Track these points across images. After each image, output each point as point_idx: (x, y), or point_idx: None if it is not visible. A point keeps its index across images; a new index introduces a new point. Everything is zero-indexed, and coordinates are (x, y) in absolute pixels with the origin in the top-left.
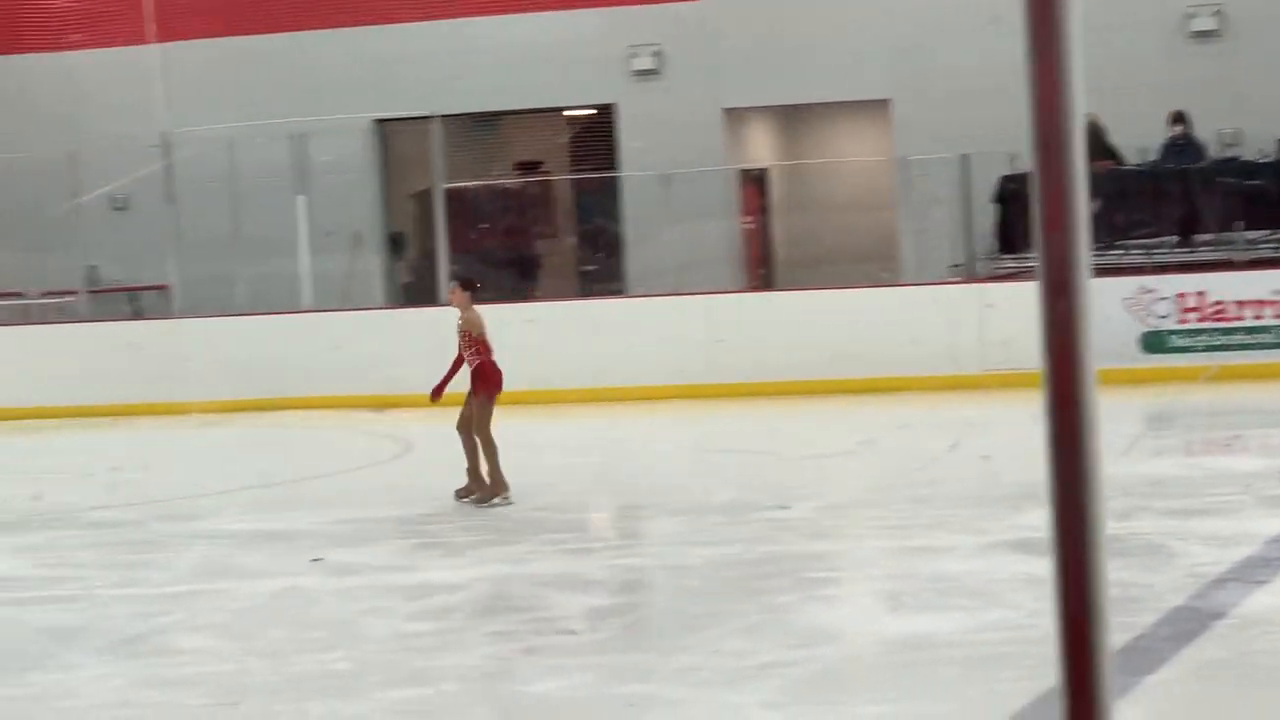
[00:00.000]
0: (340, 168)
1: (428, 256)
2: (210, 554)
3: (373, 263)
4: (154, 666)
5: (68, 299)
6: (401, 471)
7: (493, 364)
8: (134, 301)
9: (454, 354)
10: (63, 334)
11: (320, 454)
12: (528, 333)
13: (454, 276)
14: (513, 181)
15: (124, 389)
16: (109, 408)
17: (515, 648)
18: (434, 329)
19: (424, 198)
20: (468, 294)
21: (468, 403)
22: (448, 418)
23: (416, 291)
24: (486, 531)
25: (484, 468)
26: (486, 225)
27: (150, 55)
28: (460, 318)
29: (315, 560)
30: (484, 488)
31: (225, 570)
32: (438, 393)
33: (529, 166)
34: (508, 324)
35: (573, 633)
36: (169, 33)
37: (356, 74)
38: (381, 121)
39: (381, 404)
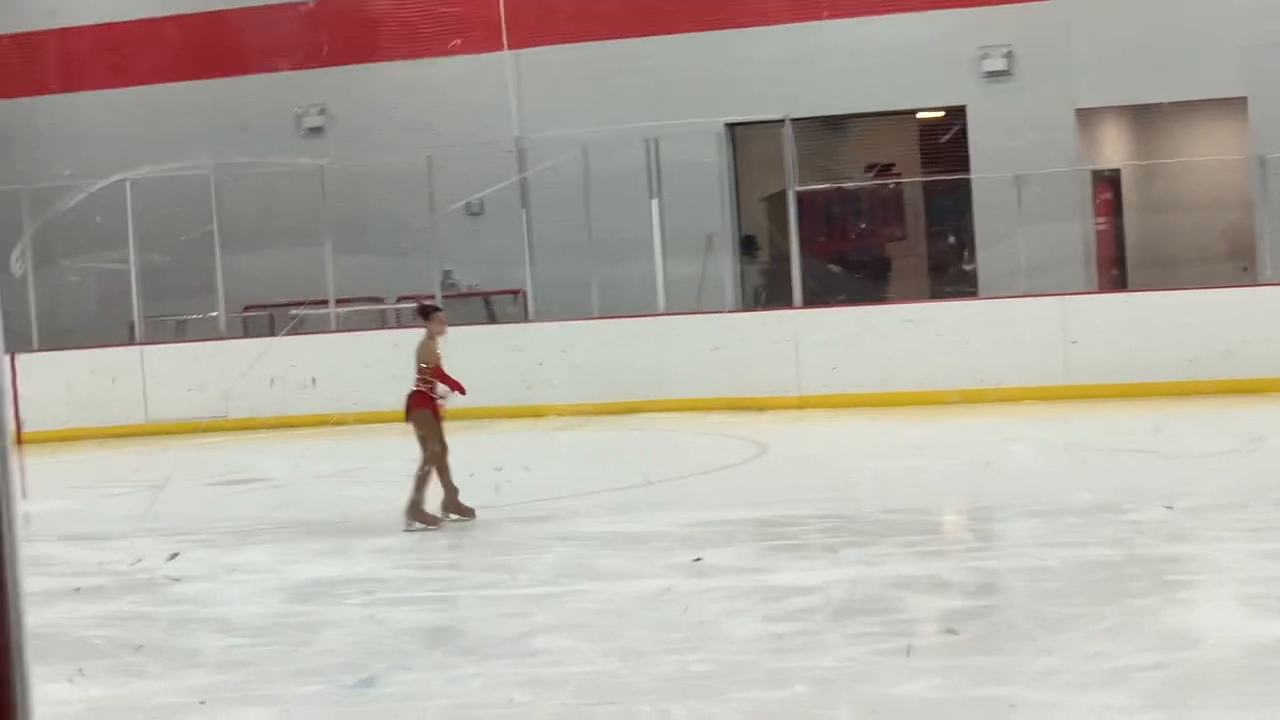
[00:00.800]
0: (693, 171)
1: (780, 259)
2: (570, 556)
3: (725, 266)
4: (516, 667)
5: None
6: (757, 473)
7: None
8: (489, 306)
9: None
10: (420, 338)
11: (676, 456)
12: (897, 334)
13: (434, 306)
14: (864, 184)
15: (480, 393)
16: (465, 411)
17: (875, 649)
18: (786, 332)
19: (776, 201)
20: None
21: (437, 429)
22: (803, 419)
23: (768, 294)
24: (842, 533)
25: (415, 489)
26: (839, 227)
27: (505, 61)
28: (438, 341)
29: (696, 560)
30: (420, 511)
31: (585, 572)
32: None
33: (880, 169)
34: (880, 324)
35: (954, 632)
36: (523, 39)
37: (708, 78)
38: (733, 125)
39: (759, 406)
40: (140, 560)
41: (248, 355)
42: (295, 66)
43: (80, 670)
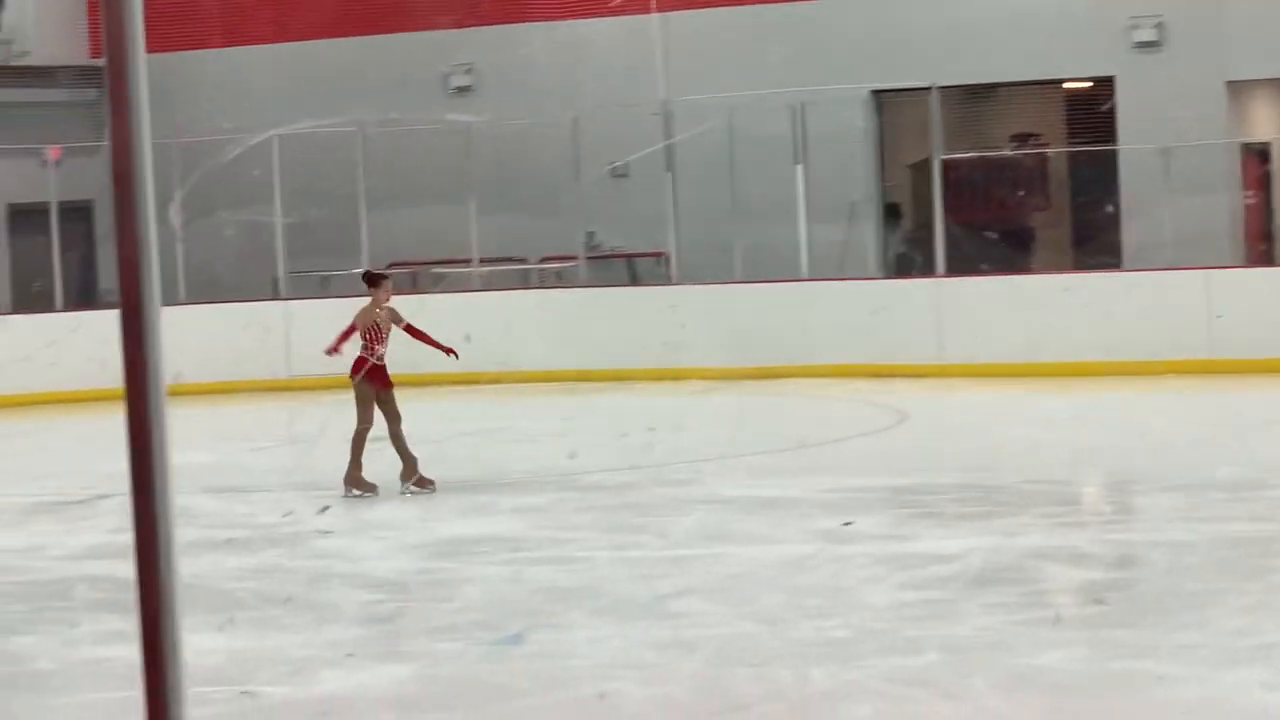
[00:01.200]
0: (838, 137)
1: (923, 227)
2: (708, 519)
3: (868, 233)
4: (652, 629)
5: (568, 265)
6: (897, 441)
7: None
8: (632, 268)
9: (356, 338)
10: (562, 299)
11: (816, 422)
12: (1041, 304)
13: (381, 274)
14: (1009, 153)
15: (621, 355)
16: (606, 373)
17: (1012, 620)
18: (929, 299)
19: (920, 168)
20: None
21: (378, 400)
22: (944, 388)
23: (910, 262)
24: (980, 503)
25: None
26: (983, 196)
27: (653, 24)
28: (385, 308)
29: (846, 524)
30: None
31: (723, 535)
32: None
33: (1025, 138)
34: (1024, 294)
35: (1101, 602)
36: (671, 1)
37: (855, 45)
38: (879, 92)
39: (900, 373)
40: (291, 513)
41: None
42: (452, 25)
43: (230, 620)
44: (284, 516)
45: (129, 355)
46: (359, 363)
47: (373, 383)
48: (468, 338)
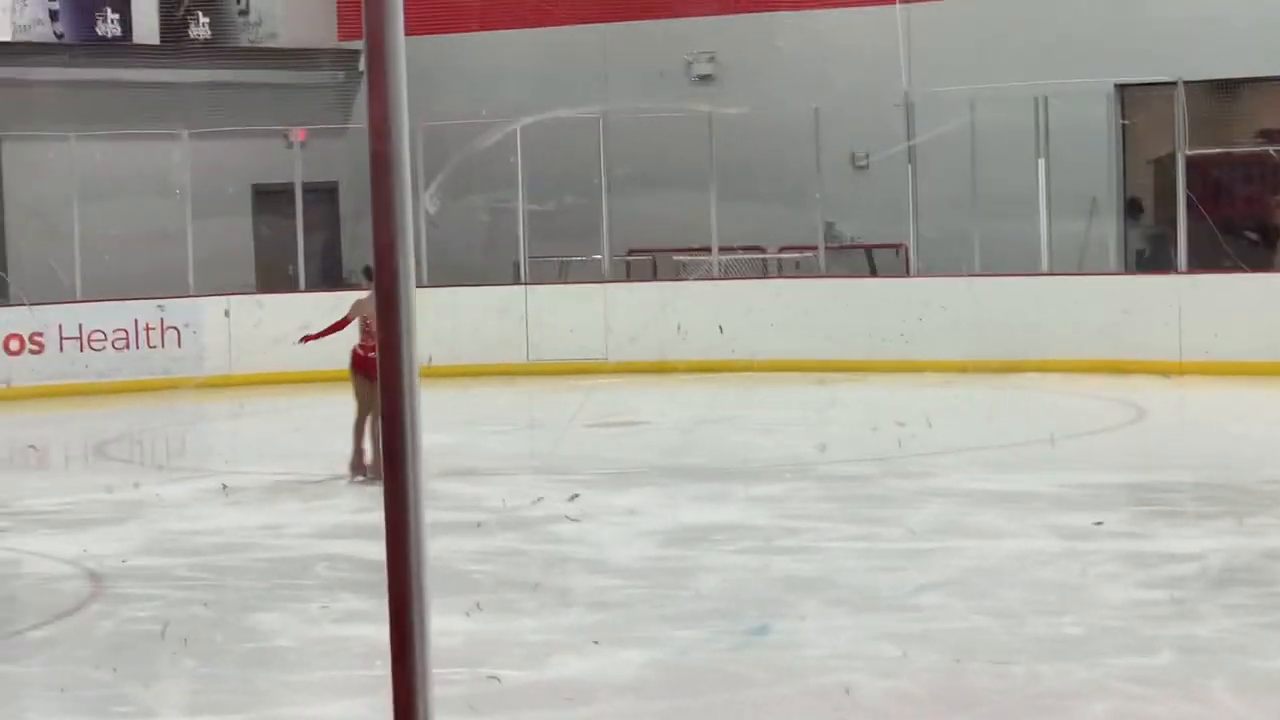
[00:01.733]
0: (1080, 131)
1: (1165, 223)
2: (944, 512)
3: (1109, 228)
4: (887, 621)
5: (806, 254)
6: (1134, 438)
7: None
8: (871, 259)
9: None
10: (801, 289)
11: (1053, 417)
12: None
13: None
14: (1255, 149)
15: (859, 345)
16: (842, 363)
17: (1252, 622)
18: (1169, 296)
19: (1163, 164)
20: None
21: (361, 389)
22: (1183, 385)
23: (1151, 259)
24: (1219, 503)
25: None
26: (1227, 193)
27: (896, 15)
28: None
29: (1097, 524)
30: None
31: (959, 528)
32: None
33: (1273, 135)
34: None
35: None
36: None
37: (1099, 37)
38: (1122, 86)
39: (1139, 370)
40: (541, 499)
41: (630, 298)
42: (703, 13)
43: (477, 604)
44: (534, 502)
45: (384, 338)
46: (356, 353)
47: (365, 374)
48: (720, 329)
